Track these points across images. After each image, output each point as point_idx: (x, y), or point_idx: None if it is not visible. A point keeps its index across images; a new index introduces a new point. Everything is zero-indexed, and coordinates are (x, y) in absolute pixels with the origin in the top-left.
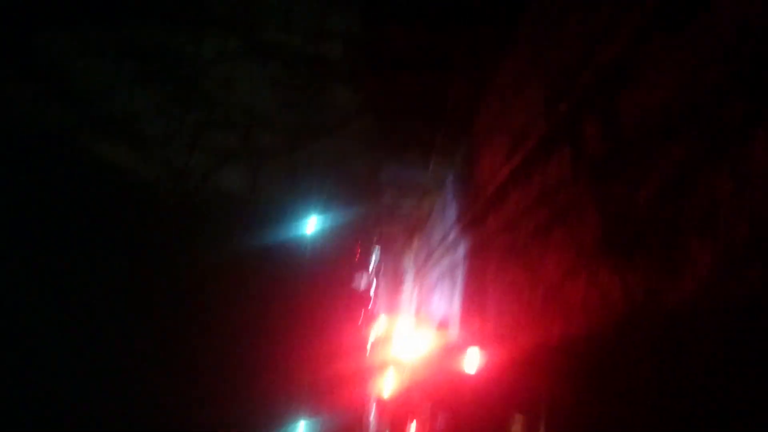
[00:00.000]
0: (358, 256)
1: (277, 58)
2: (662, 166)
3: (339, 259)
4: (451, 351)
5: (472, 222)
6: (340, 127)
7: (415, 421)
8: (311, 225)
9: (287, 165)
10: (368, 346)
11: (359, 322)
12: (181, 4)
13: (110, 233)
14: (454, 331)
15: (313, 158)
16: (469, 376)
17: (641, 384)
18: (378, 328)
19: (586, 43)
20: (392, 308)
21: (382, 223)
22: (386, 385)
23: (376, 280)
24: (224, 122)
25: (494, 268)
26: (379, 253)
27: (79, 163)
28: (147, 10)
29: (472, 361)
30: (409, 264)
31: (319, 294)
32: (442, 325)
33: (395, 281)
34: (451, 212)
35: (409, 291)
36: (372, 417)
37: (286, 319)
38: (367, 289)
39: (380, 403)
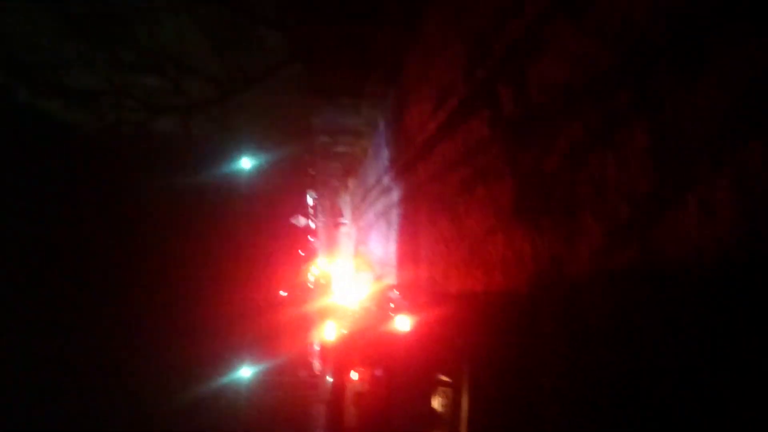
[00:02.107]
0: (295, 194)
1: (204, 3)
2: (563, 139)
3: (276, 197)
4: (387, 305)
5: (404, 168)
6: (269, 74)
7: (355, 371)
8: (246, 164)
9: (219, 112)
10: (310, 285)
11: (300, 259)
12: None
13: (48, 181)
14: (391, 279)
15: (245, 105)
16: (402, 335)
17: (548, 341)
18: (318, 268)
19: (498, 14)
20: (331, 247)
21: (318, 163)
22: (329, 331)
23: (314, 218)
24: (154, 72)
25: (425, 217)
26: (316, 192)
27: (11, 112)
28: None
29: (405, 321)
30: (345, 203)
31: (259, 229)
32: (379, 272)
33: (333, 220)
34: (385, 156)
35: (346, 230)
36: (316, 361)
37: (226, 257)
38: (306, 227)
39: (324, 347)
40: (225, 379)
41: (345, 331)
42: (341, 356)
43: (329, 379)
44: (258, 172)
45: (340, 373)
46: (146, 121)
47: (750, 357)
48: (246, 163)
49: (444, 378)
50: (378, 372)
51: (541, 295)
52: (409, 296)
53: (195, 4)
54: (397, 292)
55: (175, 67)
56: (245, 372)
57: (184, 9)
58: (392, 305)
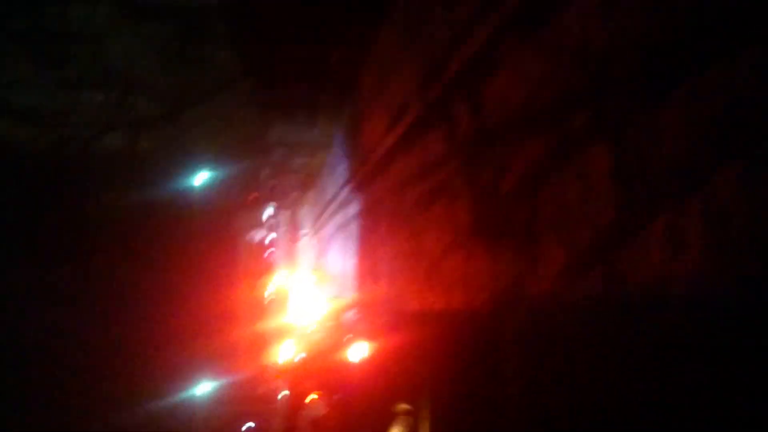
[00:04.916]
0: (252, 208)
1: (151, 18)
2: (521, 159)
3: (233, 212)
4: (345, 326)
5: (362, 182)
6: (221, 89)
7: (313, 394)
8: (199, 180)
9: (169, 128)
10: (266, 302)
11: (257, 275)
12: None
13: None
14: (350, 294)
15: (197, 120)
16: (360, 359)
17: (509, 364)
18: (276, 283)
19: (452, 32)
20: (290, 261)
21: (276, 178)
22: (286, 351)
23: (273, 232)
24: (100, 89)
25: (384, 232)
26: (274, 206)
27: None
28: None
29: (363, 344)
30: (305, 216)
31: (214, 245)
32: (338, 287)
33: (292, 233)
34: (342, 170)
35: (305, 245)
36: (273, 382)
37: (178, 274)
38: (262, 242)
39: (281, 368)
40: (180, 396)
41: (302, 353)
42: (297, 381)
43: (284, 393)
44: (212, 187)
45: (295, 399)
46: (91, 139)
47: (715, 394)
48: (199, 178)
49: (403, 405)
50: (335, 397)
51: (502, 316)
52: (369, 317)
53: (138, 23)
54: (356, 313)
55: (121, 83)
56: (202, 388)
57: (127, 27)
58: (350, 327)
